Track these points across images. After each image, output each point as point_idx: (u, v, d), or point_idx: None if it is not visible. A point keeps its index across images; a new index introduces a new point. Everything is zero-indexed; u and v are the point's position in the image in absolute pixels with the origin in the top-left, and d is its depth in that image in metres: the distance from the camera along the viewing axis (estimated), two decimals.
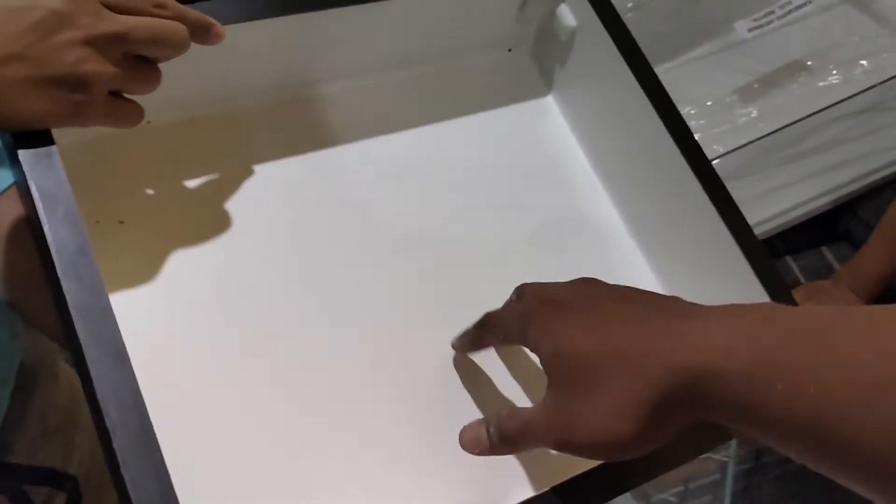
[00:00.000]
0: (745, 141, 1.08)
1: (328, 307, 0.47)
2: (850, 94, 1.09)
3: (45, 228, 0.35)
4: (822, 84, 1.11)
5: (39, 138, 0.37)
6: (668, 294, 0.38)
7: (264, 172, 0.51)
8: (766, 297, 0.49)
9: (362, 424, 0.44)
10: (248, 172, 0.50)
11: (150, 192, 0.48)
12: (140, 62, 0.39)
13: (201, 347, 0.43)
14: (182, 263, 0.45)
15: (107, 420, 0.32)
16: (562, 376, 0.36)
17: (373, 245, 0.51)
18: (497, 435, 0.38)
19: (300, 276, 0.48)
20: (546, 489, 0.41)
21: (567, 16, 0.58)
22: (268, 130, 0.52)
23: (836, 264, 1.14)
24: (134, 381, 0.33)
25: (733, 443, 1.07)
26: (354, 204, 0.52)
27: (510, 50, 0.63)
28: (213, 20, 0.42)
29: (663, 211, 0.55)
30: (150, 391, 0.34)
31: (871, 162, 1.12)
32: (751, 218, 0.51)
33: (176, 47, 0.39)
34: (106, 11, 0.37)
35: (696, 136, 0.53)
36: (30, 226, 0.41)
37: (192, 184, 0.49)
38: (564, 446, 0.35)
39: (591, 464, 0.42)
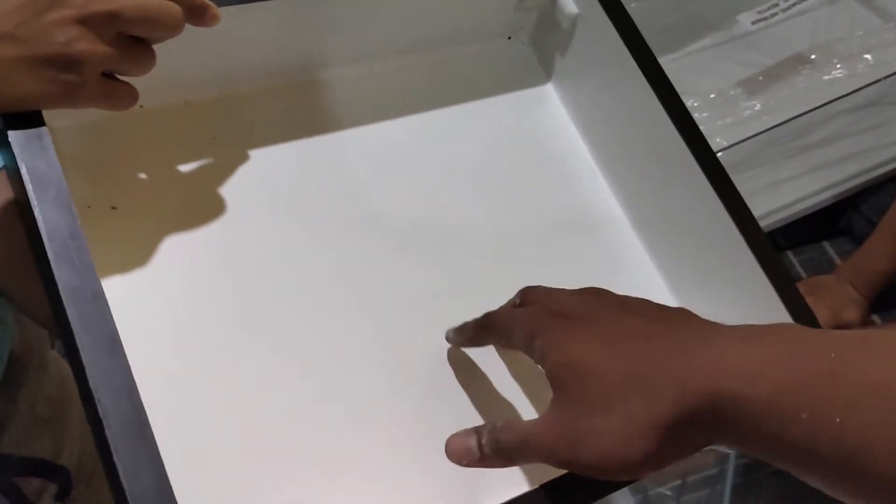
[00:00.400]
0: (748, 134, 1.08)
1: (322, 293, 0.46)
2: (854, 88, 1.08)
3: (36, 211, 0.34)
4: (826, 78, 1.10)
5: (30, 120, 0.36)
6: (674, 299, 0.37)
7: (260, 158, 0.50)
8: (770, 290, 0.48)
9: (354, 409, 0.43)
10: (244, 158, 0.50)
11: (143, 177, 0.47)
12: (134, 43, 0.39)
13: (195, 334, 0.43)
14: (175, 249, 0.45)
15: (99, 407, 0.31)
16: (569, 392, 0.34)
17: (370, 231, 0.50)
18: (491, 447, 0.37)
19: (295, 262, 0.47)
20: (537, 486, 0.40)
21: (569, 3, 0.57)
22: (264, 115, 0.52)
23: (837, 259, 1.14)
24: (127, 367, 0.32)
25: None
26: (351, 190, 0.51)
27: (510, 38, 0.62)
28: (208, 2, 0.41)
29: (665, 201, 0.54)
30: (143, 378, 0.33)
31: (874, 157, 1.11)
32: (753, 211, 0.50)
33: (170, 28, 0.39)
34: None
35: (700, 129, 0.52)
36: (19, 210, 0.40)
37: (185, 169, 0.48)
38: (569, 464, 0.34)
39: None
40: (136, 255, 0.44)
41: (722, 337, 0.34)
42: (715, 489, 1.11)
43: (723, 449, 0.34)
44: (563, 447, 0.34)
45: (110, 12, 0.36)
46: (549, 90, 0.62)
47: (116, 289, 0.41)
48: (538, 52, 0.62)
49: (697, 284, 0.54)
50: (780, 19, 1.16)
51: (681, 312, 0.37)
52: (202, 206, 0.47)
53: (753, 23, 1.16)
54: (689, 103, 1.10)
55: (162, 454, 0.32)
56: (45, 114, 0.37)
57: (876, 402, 0.29)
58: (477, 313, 0.44)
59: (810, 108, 1.08)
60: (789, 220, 1.12)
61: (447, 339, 0.45)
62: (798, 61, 1.12)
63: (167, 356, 0.41)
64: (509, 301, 0.43)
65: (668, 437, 0.32)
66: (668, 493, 1.14)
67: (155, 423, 0.32)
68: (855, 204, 1.14)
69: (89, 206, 0.44)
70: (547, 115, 0.61)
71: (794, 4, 1.16)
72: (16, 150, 0.35)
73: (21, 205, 0.38)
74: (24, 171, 0.35)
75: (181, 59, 0.44)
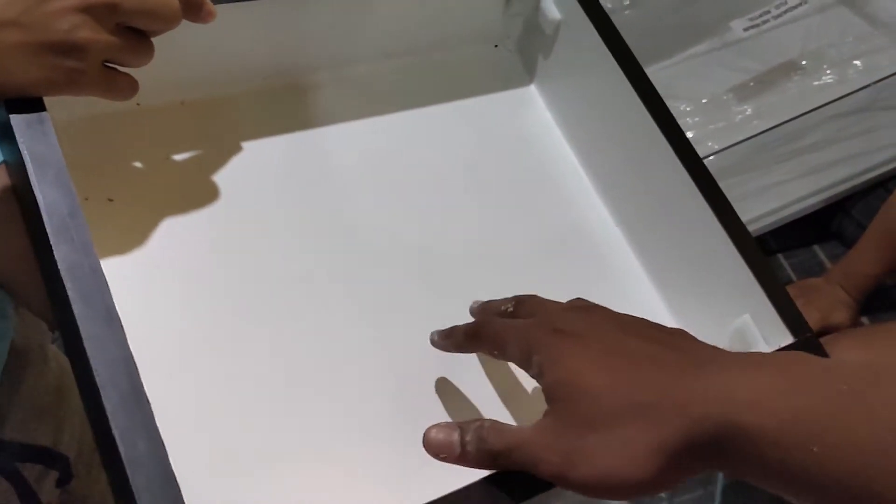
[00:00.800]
0: (739, 138, 1.09)
1: (307, 278, 0.48)
2: (844, 93, 1.10)
3: (36, 190, 0.35)
4: (816, 83, 1.11)
5: (31, 105, 0.38)
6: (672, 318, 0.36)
7: (252, 156, 0.52)
8: (761, 293, 0.48)
9: (344, 394, 0.45)
10: (237, 156, 0.51)
11: (139, 171, 0.49)
12: (133, 34, 0.40)
13: (189, 314, 0.44)
14: (169, 238, 0.46)
15: (97, 377, 0.32)
16: (568, 409, 0.34)
17: (355, 227, 0.51)
18: (476, 446, 0.36)
19: (282, 254, 0.49)
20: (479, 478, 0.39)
21: (551, 9, 0.58)
22: (256, 115, 0.53)
23: (827, 263, 1.15)
24: (123, 338, 0.33)
25: None
26: (338, 188, 0.53)
27: (496, 46, 0.63)
28: None
29: (649, 201, 0.55)
30: (138, 352, 0.34)
31: (863, 161, 1.12)
32: (744, 215, 0.51)
33: (167, 20, 0.40)
34: None
35: (691, 134, 0.53)
36: (18, 198, 0.41)
37: (180, 165, 0.50)
38: (560, 478, 0.34)
39: None
40: (132, 242, 0.46)
41: (729, 365, 0.33)
42: (706, 490, 1.11)
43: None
44: (554, 460, 0.33)
45: (111, 2, 0.37)
46: (534, 93, 0.63)
47: (113, 273, 0.42)
48: (524, 56, 0.63)
49: (685, 287, 0.54)
50: (772, 26, 1.18)
51: (679, 335, 0.37)
52: (195, 199, 0.48)
53: (745, 29, 1.18)
54: (682, 108, 1.11)
55: (158, 423, 0.33)
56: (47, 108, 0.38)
57: (891, 437, 0.29)
58: (459, 312, 0.45)
59: (801, 112, 1.09)
60: (780, 223, 1.13)
61: (431, 341, 0.45)
62: (789, 67, 1.14)
63: (161, 334, 0.43)
64: (499, 303, 0.43)
65: (668, 462, 0.32)
66: (662, 494, 1.15)
67: (150, 394, 0.33)
68: (845, 208, 1.15)
69: (87, 198, 0.46)
70: (532, 117, 0.62)
71: (785, 12, 1.18)
72: (17, 133, 0.36)
73: (21, 189, 0.39)
74: (25, 153, 0.36)
75: (177, 59, 0.45)
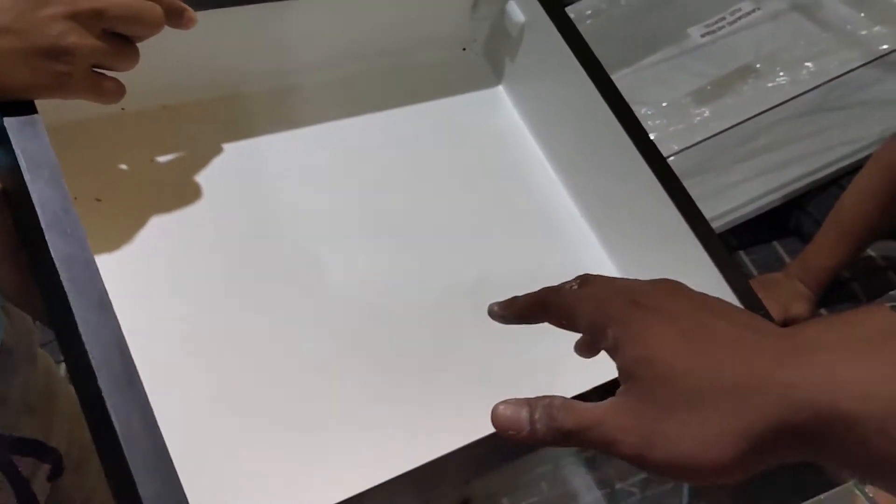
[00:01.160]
0: (698, 139, 1.13)
1: (287, 280, 0.50)
2: (796, 93, 1.14)
3: (30, 188, 0.37)
4: (770, 85, 1.16)
5: (23, 108, 0.40)
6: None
7: (232, 157, 0.54)
8: (725, 288, 0.51)
9: (337, 386, 0.47)
10: (218, 157, 0.53)
11: (125, 172, 0.51)
12: (119, 39, 0.42)
13: (174, 312, 0.46)
14: (155, 234, 0.49)
15: (92, 360, 0.34)
16: (647, 387, 0.33)
17: (331, 225, 0.54)
18: (546, 423, 0.34)
19: (265, 248, 0.51)
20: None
21: (516, 12, 0.61)
22: (235, 118, 0.56)
23: (787, 258, 1.19)
24: (116, 323, 0.35)
25: None
26: (313, 187, 0.55)
27: (464, 49, 0.66)
28: (185, 6, 0.45)
29: (610, 189, 0.58)
30: (130, 340, 0.36)
31: (817, 160, 1.17)
32: (705, 214, 0.53)
33: (150, 25, 0.42)
34: None
35: (653, 136, 0.56)
36: (9, 197, 0.43)
37: (164, 166, 0.52)
38: (638, 460, 0.32)
39: None
40: (119, 240, 0.48)
41: (828, 349, 0.31)
42: (677, 487, 1.14)
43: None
44: (632, 441, 0.32)
45: (97, 9, 0.39)
46: (502, 93, 0.66)
47: (102, 268, 0.44)
48: (491, 59, 0.66)
49: (648, 276, 0.56)
50: (728, 32, 1.23)
51: (759, 318, 0.35)
52: (179, 198, 0.51)
53: (702, 35, 1.23)
54: (643, 112, 1.15)
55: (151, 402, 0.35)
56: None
57: None
58: (438, 303, 0.48)
59: (756, 113, 1.14)
60: (740, 221, 1.17)
61: (490, 313, 0.42)
62: (744, 71, 1.18)
63: (149, 326, 0.45)
64: (566, 283, 0.40)
65: (756, 448, 0.30)
66: (633, 489, 1.18)
67: (143, 376, 0.35)
68: (801, 205, 1.20)
69: (76, 198, 0.47)
70: (500, 117, 0.65)
71: (739, 18, 1.22)
72: (11, 133, 0.38)
73: (12, 189, 0.41)
74: (19, 152, 0.38)
75: (159, 65, 0.47)
